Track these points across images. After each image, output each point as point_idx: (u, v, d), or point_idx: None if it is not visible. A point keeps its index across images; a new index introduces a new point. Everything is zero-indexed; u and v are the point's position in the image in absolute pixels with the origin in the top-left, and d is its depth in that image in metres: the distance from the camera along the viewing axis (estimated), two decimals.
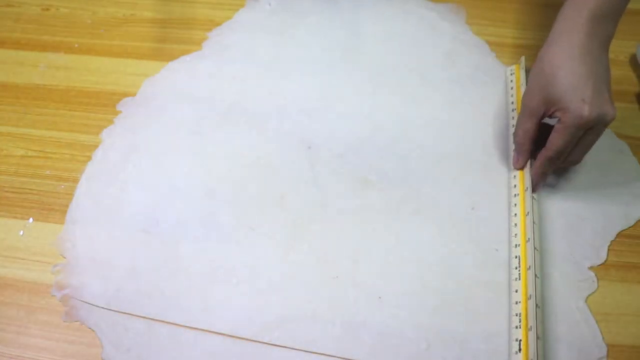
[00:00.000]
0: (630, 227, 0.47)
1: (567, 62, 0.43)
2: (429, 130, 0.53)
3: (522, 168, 0.48)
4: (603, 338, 0.42)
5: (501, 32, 0.61)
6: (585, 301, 0.43)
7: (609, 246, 0.46)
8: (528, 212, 0.45)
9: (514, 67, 0.56)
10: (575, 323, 0.42)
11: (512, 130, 0.51)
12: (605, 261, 0.45)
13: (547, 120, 0.46)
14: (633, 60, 0.58)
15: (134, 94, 0.56)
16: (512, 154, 0.50)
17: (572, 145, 0.44)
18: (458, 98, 0.55)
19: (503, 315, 0.42)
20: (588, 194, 0.48)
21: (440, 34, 0.60)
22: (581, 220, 0.47)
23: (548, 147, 0.45)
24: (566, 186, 0.48)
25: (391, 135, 0.52)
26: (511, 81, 0.55)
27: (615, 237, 0.46)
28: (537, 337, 0.39)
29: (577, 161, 0.47)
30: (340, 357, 0.41)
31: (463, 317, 0.43)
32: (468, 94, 0.55)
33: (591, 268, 0.45)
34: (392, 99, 0.55)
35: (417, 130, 0.53)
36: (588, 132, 0.43)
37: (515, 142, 0.48)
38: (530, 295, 0.41)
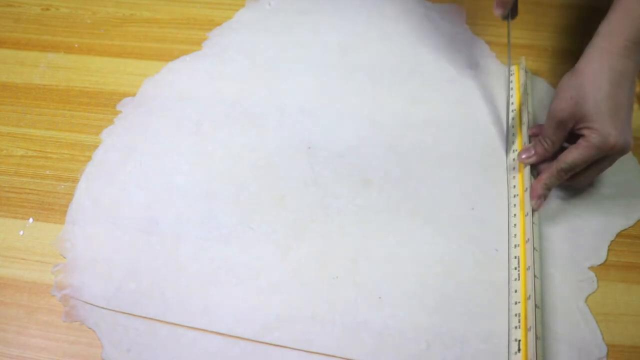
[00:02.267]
0: (630, 227, 0.47)
1: (605, 85, 0.43)
2: (429, 130, 0.53)
3: (529, 164, 0.48)
4: (603, 338, 0.42)
5: (501, 32, 0.60)
6: (585, 301, 0.43)
7: (609, 246, 0.46)
8: (527, 213, 0.45)
9: (513, 67, 0.56)
10: (575, 323, 0.42)
11: (511, 130, 0.51)
12: (605, 261, 0.45)
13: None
14: None
15: (134, 94, 0.56)
16: (510, 150, 0.50)
17: (585, 165, 0.44)
18: (458, 98, 0.55)
19: (503, 315, 0.42)
20: (588, 194, 0.48)
21: (440, 34, 0.60)
22: (581, 220, 0.47)
23: (562, 160, 0.44)
24: (566, 186, 0.48)
25: (391, 135, 0.52)
26: (511, 81, 0.55)
27: (615, 237, 0.46)
28: (537, 337, 0.39)
29: (589, 182, 0.47)
30: (341, 357, 0.41)
31: (463, 317, 0.43)
32: (468, 94, 0.55)
33: (591, 268, 0.45)
34: (392, 99, 0.55)
35: (417, 130, 0.53)
36: (605, 157, 0.44)
37: (539, 147, 0.47)
38: (529, 296, 0.41)
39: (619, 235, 0.47)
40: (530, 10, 0.62)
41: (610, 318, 0.43)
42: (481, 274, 0.44)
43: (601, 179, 0.49)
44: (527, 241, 0.44)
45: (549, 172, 0.45)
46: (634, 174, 0.50)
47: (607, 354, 0.41)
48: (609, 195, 0.48)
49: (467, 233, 0.47)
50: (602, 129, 0.42)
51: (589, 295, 0.44)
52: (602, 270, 0.45)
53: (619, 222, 0.47)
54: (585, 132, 0.43)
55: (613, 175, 0.49)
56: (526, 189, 0.47)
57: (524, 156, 0.48)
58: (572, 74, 0.45)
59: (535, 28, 0.61)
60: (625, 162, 0.50)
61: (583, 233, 0.46)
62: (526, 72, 0.55)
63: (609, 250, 0.46)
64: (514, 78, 0.55)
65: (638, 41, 0.43)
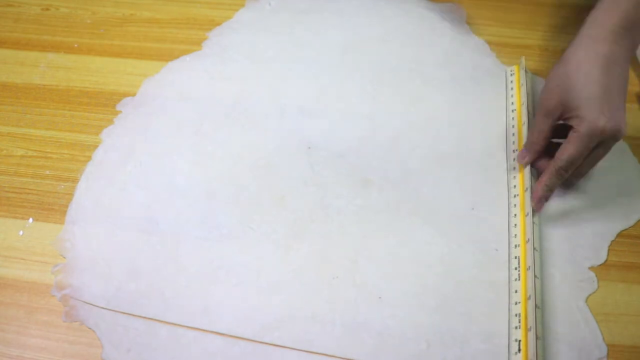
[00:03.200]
0: (630, 227, 0.47)
1: (592, 70, 0.42)
2: (429, 130, 0.53)
3: (526, 165, 0.48)
4: (603, 338, 0.42)
5: (501, 32, 0.61)
6: (586, 301, 0.43)
7: (609, 246, 0.46)
8: (528, 213, 0.45)
9: (514, 67, 0.56)
10: (575, 323, 0.42)
11: (511, 130, 0.51)
12: (606, 261, 0.45)
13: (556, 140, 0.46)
14: (633, 60, 0.58)
15: (134, 94, 0.56)
16: (510, 150, 0.50)
17: (583, 157, 0.44)
18: (458, 98, 0.55)
19: (503, 315, 0.42)
20: (588, 194, 0.48)
21: (440, 34, 0.60)
22: (581, 220, 0.47)
23: (559, 157, 0.44)
24: (566, 185, 0.48)
25: (391, 135, 0.52)
26: (511, 82, 0.55)
27: (615, 237, 0.46)
28: (537, 338, 0.39)
29: (583, 174, 0.47)
30: (341, 357, 0.41)
31: (463, 317, 0.43)
32: (468, 94, 0.55)
33: (591, 268, 0.45)
34: (392, 99, 0.55)
35: (417, 130, 0.53)
36: (599, 145, 0.43)
37: (528, 140, 0.47)
38: (529, 296, 0.41)
39: (619, 235, 0.46)
40: (530, 10, 0.63)
41: (610, 318, 0.43)
42: (481, 274, 0.44)
43: (601, 179, 0.49)
44: (527, 241, 0.44)
45: (548, 173, 0.45)
46: (634, 173, 0.50)
47: (607, 354, 0.41)
48: (609, 195, 0.48)
49: (467, 233, 0.46)
50: (588, 115, 0.42)
51: (589, 295, 0.44)
52: (602, 270, 0.45)
53: (619, 222, 0.47)
54: (573, 122, 0.43)
55: (613, 175, 0.49)
56: (526, 189, 0.47)
57: (519, 157, 0.48)
58: (559, 63, 0.45)
59: (535, 28, 0.61)
60: (625, 162, 0.50)
61: (583, 233, 0.46)
62: (526, 72, 0.55)
63: (609, 250, 0.46)
64: (514, 78, 0.55)
65: (626, 26, 0.43)
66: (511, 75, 0.55)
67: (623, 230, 0.47)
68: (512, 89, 0.54)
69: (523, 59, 0.56)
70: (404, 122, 0.53)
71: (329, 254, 0.46)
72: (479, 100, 0.55)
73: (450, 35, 0.60)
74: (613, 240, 0.46)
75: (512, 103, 0.53)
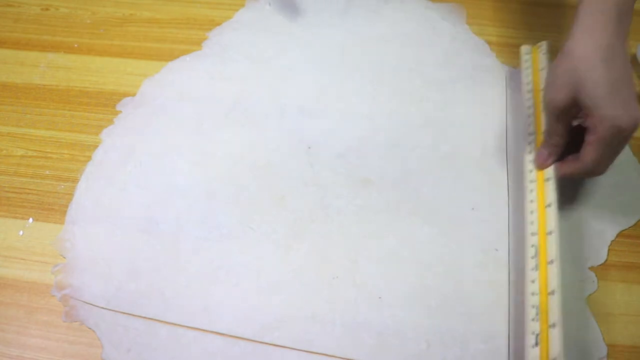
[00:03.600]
0: (630, 227, 0.47)
1: (599, 65, 0.40)
2: (429, 130, 0.53)
3: (548, 167, 0.45)
4: (603, 338, 0.42)
5: (501, 32, 0.61)
6: (585, 301, 0.43)
7: (609, 246, 0.46)
8: (550, 204, 0.44)
9: (529, 47, 0.54)
10: (575, 323, 0.42)
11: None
12: (605, 261, 0.45)
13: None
14: (633, 60, 0.58)
15: (134, 94, 0.56)
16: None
17: (608, 155, 0.42)
18: (458, 98, 0.55)
19: (503, 315, 0.42)
20: (588, 194, 0.48)
21: (440, 34, 0.60)
22: (581, 220, 0.47)
23: (584, 161, 0.42)
24: (567, 186, 0.48)
25: (391, 135, 0.52)
26: (526, 61, 0.53)
27: (615, 237, 0.46)
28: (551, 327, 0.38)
29: (604, 171, 0.44)
30: (341, 357, 0.41)
31: (463, 317, 0.43)
32: (468, 94, 0.55)
33: (591, 268, 0.45)
34: (392, 99, 0.55)
35: (417, 130, 0.53)
36: (620, 139, 0.41)
37: (548, 142, 0.45)
38: (553, 291, 0.40)
39: (619, 235, 0.46)
40: (530, 11, 0.62)
41: (610, 318, 0.43)
42: (481, 274, 0.44)
43: (601, 179, 0.49)
44: (549, 233, 0.42)
45: (571, 170, 0.44)
46: (634, 174, 0.50)
47: (607, 354, 0.41)
48: (609, 195, 0.48)
49: (467, 233, 0.46)
50: (606, 114, 0.40)
51: (589, 295, 0.44)
52: (602, 270, 0.45)
53: (619, 222, 0.47)
54: (590, 122, 0.41)
55: (613, 175, 0.49)
56: (547, 179, 0.45)
57: (540, 161, 0.46)
58: (561, 59, 0.43)
59: (535, 28, 0.61)
60: (625, 162, 0.50)
61: (583, 233, 0.46)
62: (548, 55, 0.52)
63: (609, 250, 0.46)
64: (530, 57, 0.53)
65: (618, 13, 0.41)
66: (526, 55, 0.53)
67: (623, 230, 0.47)
68: (527, 68, 0.52)
69: (544, 43, 0.53)
70: (404, 122, 0.53)
71: (329, 254, 0.46)
72: (479, 100, 0.55)
73: (450, 35, 0.60)
74: (613, 240, 0.46)
75: (528, 83, 0.51)
